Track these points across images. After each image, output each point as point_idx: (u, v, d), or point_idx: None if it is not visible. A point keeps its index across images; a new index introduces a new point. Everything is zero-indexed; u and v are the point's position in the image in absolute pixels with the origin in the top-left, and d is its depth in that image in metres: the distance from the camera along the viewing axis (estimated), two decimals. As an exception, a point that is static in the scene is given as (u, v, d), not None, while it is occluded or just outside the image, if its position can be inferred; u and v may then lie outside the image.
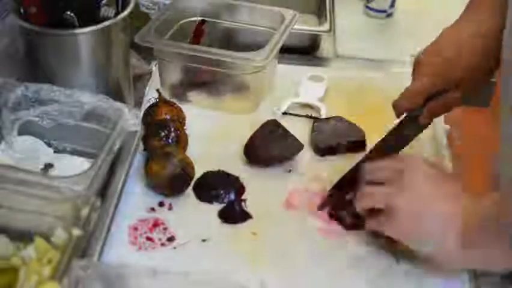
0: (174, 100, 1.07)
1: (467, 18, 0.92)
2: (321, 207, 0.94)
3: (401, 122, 0.96)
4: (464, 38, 0.90)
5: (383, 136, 0.97)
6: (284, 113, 1.10)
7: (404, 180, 0.83)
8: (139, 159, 0.99)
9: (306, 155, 1.03)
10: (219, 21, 1.20)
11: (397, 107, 0.95)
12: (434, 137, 1.06)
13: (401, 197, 0.83)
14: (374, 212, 0.85)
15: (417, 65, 0.93)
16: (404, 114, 0.95)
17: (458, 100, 0.93)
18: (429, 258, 0.83)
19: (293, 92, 1.14)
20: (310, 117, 1.09)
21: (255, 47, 1.07)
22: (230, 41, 1.21)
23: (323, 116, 1.09)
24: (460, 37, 0.91)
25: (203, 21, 1.19)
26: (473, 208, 0.80)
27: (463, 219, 0.79)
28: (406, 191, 0.83)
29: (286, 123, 1.01)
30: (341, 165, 0.99)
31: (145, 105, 1.07)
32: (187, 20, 1.19)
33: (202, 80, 1.11)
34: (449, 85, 0.91)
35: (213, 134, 1.06)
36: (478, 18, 0.91)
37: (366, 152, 0.99)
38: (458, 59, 0.90)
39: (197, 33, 1.18)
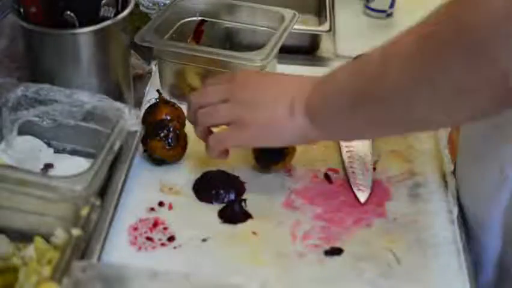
0: (174, 100, 1.07)
1: None
2: None
3: None
4: None
5: None
6: None
7: (236, 88, 0.85)
8: (139, 159, 0.99)
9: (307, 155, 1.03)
10: (219, 21, 1.20)
11: None
12: (434, 136, 1.06)
13: (239, 104, 0.84)
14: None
15: None
16: None
17: None
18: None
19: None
20: None
21: (255, 47, 1.07)
22: (230, 41, 1.21)
23: None
24: None
25: (203, 21, 1.19)
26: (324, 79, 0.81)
27: (311, 88, 0.80)
28: (240, 95, 0.84)
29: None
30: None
31: (145, 105, 1.07)
32: (187, 20, 1.19)
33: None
34: None
35: (213, 134, 1.06)
36: None
37: None
38: None
39: (197, 33, 1.18)
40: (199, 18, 1.19)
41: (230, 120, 0.86)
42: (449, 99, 0.68)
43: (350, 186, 0.96)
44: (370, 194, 0.95)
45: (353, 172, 0.98)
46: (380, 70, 0.74)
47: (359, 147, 1.03)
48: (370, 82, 0.75)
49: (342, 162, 1.00)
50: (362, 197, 0.95)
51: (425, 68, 0.69)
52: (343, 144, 1.03)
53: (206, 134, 0.91)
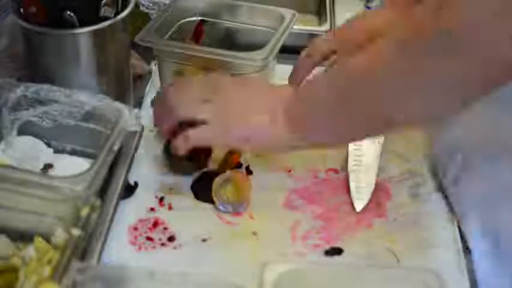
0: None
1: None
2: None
3: None
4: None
5: None
6: None
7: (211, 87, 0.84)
8: (139, 159, 0.99)
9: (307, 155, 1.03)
10: (219, 21, 1.20)
11: None
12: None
13: (211, 102, 0.82)
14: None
15: None
16: None
17: None
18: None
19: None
20: None
21: (255, 47, 1.07)
22: (230, 41, 1.21)
23: None
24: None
25: (203, 21, 1.19)
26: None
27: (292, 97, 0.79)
28: (216, 95, 0.82)
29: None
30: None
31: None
32: (187, 20, 1.18)
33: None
34: None
35: (213, 134, 1.06)
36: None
37: None
38: None
39: (197, 33, 1.18)
40: (199, 18, 1.19)
41: (209, 118, 0.83)
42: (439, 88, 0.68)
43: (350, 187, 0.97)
44: (367, 204, 0.94)
45: (357, 177, 0.98)
46: (365, 69, 0.73)
47: (367, 152, 1.02)
48: (354, 82, 0.74)
49: (347, 165, 1.00)
50: (359, 205, 0.94)
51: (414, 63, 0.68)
52: (352, 147, 1.02)
53: (174, 129, 0.87)
